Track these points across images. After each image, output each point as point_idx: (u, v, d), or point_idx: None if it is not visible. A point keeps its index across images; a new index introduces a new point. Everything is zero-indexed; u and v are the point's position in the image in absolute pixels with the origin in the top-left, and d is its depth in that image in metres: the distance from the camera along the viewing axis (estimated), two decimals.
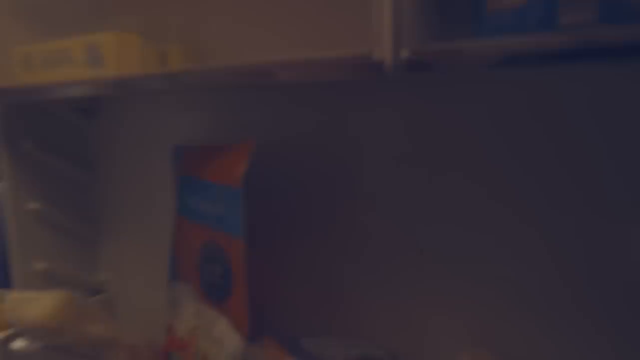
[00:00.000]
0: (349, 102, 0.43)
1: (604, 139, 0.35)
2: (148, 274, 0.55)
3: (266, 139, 0.44)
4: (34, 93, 0.47)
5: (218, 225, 0.42)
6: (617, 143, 0.35)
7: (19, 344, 0.51)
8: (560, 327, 0.38)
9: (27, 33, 0.49)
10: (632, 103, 0.34)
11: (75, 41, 0.41)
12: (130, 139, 0.57)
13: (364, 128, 0.43)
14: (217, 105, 0.50)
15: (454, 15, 0.36)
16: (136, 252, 0.58)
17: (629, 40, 0.25)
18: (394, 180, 0.43)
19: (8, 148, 0.53)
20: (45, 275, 0.56)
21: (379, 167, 0.43)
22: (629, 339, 0.36)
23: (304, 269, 0.48)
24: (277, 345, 0.41)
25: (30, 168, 0.54)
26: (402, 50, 0.29)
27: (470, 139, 0.39)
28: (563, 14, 0.27)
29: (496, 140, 0.38)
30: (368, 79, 0.31)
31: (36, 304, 0.49)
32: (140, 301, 0.57)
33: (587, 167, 0.35)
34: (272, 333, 0.42)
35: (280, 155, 0.46)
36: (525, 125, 0.37)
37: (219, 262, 0.43)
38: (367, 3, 0.30)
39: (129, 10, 0.49)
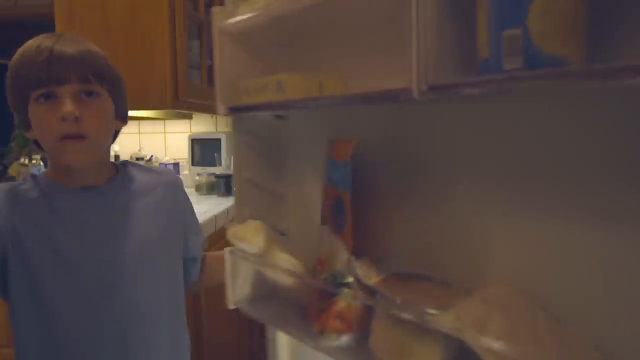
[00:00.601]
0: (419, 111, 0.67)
1: None
2: (310, 221, 0.85)
3: (369, 133, 0.70)
4: (251, 108, 0.82)
5: (340, 186, 0.70)
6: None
7: (238, 254, 0.86)
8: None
9: (249, 72, 0.84)
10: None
11: (269, 79, 0.74)
12: (303, 133, 0.89)
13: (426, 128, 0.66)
14: (346, 113, 0.78)
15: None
16: (304, 206, 0.90)
17: (541, 80, 0.44)
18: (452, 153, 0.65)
19: (236, 140, 0.89)
20: (251, 217, 0.91)
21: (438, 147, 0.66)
22: None
23: (392, 215, 0.73)
24: (370, 260, 0.66)
25: (246, 151, 0.89)
26: (422, 84, 0.52)
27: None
28: (505, 63, 0.47)
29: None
30: (410, 102, 0.54)
31: (248, 228, 0.84)
32: (305, 239, 0.88)
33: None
34: (367, 254, 0.68)
35: (379, 144, 0.72)
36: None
37: (340, 209, 0.70)
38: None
39: (300, 60, 0.80)
